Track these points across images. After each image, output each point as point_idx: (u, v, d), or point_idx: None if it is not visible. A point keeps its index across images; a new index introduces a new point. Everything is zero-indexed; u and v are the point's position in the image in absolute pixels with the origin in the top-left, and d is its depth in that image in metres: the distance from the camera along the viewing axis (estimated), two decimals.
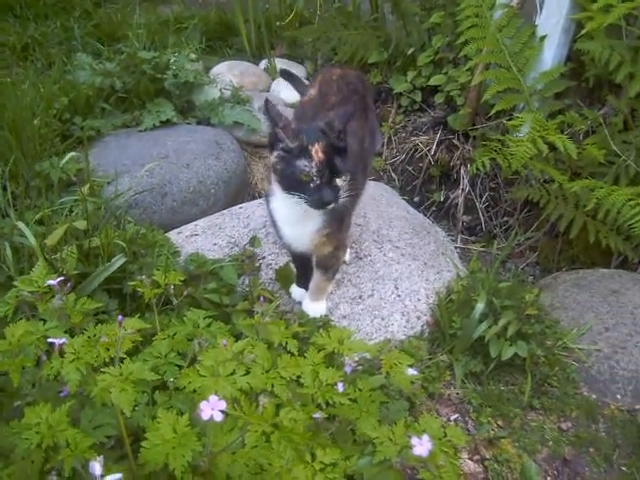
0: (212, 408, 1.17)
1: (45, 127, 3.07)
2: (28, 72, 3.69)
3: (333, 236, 2.06)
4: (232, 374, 1.30)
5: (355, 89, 2.30)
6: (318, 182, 1.79)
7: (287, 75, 2.25)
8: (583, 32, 2.58)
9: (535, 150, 2.53)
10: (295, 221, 2.03)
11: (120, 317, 1.39)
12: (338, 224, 2.04)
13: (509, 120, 3.03)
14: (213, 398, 1.18)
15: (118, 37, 4.25)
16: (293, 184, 1.83)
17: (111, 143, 3.16)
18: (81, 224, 2.33)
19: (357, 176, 2.11)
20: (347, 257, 2.51)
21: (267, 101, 1.88)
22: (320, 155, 1.78)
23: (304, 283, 2.32)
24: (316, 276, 2.24)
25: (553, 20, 2.89)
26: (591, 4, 2.52)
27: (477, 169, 2.82)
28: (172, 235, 2.58)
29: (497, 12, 3.05)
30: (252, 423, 1.23)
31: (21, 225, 2.23)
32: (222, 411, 1.17)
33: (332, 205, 1.82)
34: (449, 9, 3.44)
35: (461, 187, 3.27)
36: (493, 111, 2.96)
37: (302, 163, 1.79)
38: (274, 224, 2.11)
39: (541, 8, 2.97)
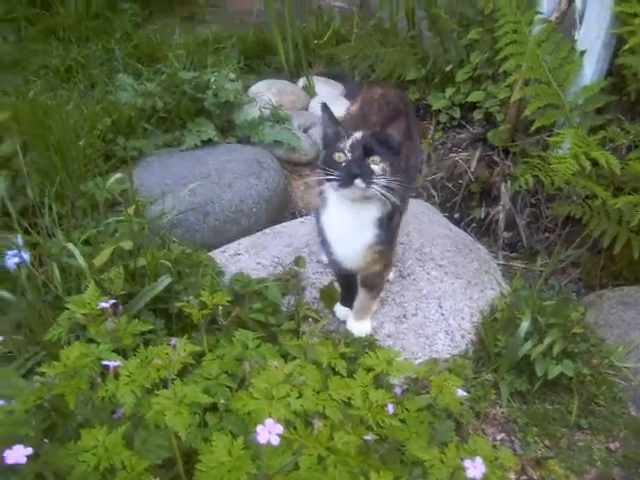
0: (269, 432, 1.17)
1: (89, 148, 3.12)
2: (72, 93, 3.75)
3: (383, 253, 2.07)
4: (286, 397, 1.31)
5: (396, 108, 2.31)
6: (350, 158, 1.85)
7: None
8: (626, 47, 2.57)
9: (578, 167, 2.51)
10: (345, 236, 2.05)
11: (173, 340, 1.40)
12: (388, 240, 2.05)
13: (549, 136, 3.03)
14: (269, 422, 1.18)
15: (158, 57, 4.30)
16: (330, 166, 1.89)
17: (153, 163, 3.20)
18: (127, 244, 2.36)
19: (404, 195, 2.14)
20: (391, 275, 2.51)
21: (324, 105, 2.00)
22: (356, 137, 1.87)
23: (348, 302, 2.33)
24: (361, 295, 2.24)
25: (593, 35, 2.87)
26: (633, 18, 2.51)
27: (519, 186, 2.81)
28: (216, 254, 2.60)
29: (536, 27, 3.04)
30: (307, 446, 1.24)
31: (71, 247, 2.27)
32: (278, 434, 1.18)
33: (362, 185, 1.84)
34: (487, 25, 3.44)
35: (502, 203, 3.25)
36: (534, 127, 2.95)
37: (338, 144, 1.88)
38: (323, 241, 2.13)
39: (580, 23, 2.95)
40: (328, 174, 1.89)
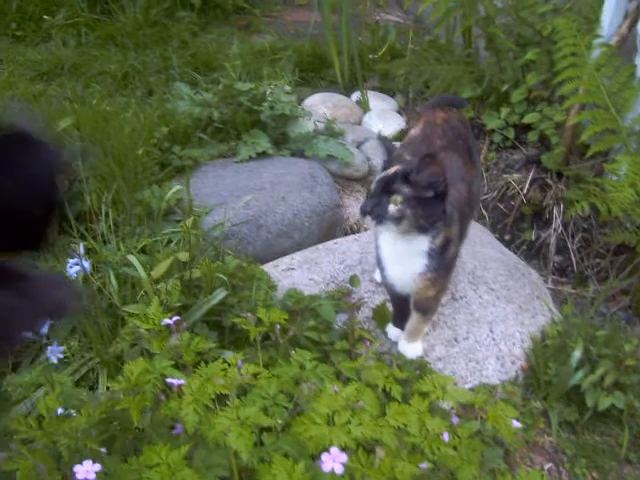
0: (333, 460, 1.19)
1: (146, 155, 3.17)
2: (129, 100, 3.82)
3: (436, 281, 2.07)
4: (347, 423, 1.32)
5: (459, 133, 2.31)
6: (372, 193, 1.90)
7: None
8: None
9: (636, 196, 2.49)
10: (397, 260, 2.07)
11: (240, 363, 1.43)
12: (442, 269, 2.05)
13: (604, 161, 3.01)
14: (334, 450, 1.20)
15: (214, 66, 4.35)
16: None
17: (208, 173, 3.24)
18: (183, 256, 2.39)
19: (464, 222, 2.16)
20: (444, 298, 2.51)
21: (380, 136, 2.11)
22: (389, 173, 1.89)
23: (400, 323, 2.33)
24: (413, 318, 2.25)
25: None
26: None
27: (575, 212, 2.80)
28: (269, 268, 2.62)
29: (595, 51, 3.03)
30: (369, 476, 1.25)
31: (132, 258, 2.31)
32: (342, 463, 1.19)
33: (372, 222, 1.89)
34: (544, 46, 3.42)
35: (553, 227, 3.23)
36: (590, 152, 2.93)
37: (376, 175, 1.94)
38: (379, 262, 2.16)
39: None
40: None
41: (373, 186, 1.91)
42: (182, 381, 1.41)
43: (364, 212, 1.89)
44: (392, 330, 2.37)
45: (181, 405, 1.35)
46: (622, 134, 2.87)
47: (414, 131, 2.37)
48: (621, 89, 2.93)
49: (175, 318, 1.60)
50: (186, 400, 1.36)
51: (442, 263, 2.03)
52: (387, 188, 1.87)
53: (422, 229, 1.92)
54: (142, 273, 2.22)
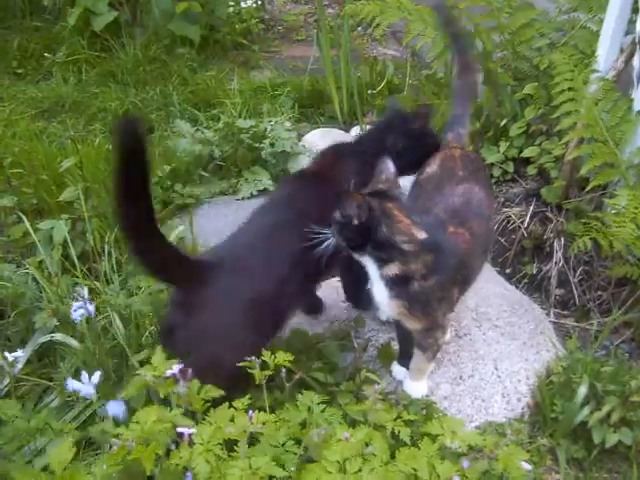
0: None
1: None
2: None
3: (412, 313, 2.08)
4: (359, 471, 1.32)
5: (478, 166, 2.36)
6: None
7: None
8: None
9: (638, 231, 2.51)
10: (372, 283, 2.11)
11: (251, 413, 1.43)
12: (411, 302, 2.06)
13: (603, 194, 3.02)
14: None
15: (214, 103, 4.38)
16: None
17: (210, 211, 3.26)
18: None
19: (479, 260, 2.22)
20: (447, 336, 2.51)
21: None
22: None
23: (405, 361, 2.33)
24: (416, 355, 2.25)
25: None
26: None
27: (578, 247, 2.81)
28: None
29: (592, 85, 3.06)
30: None
31: (141, 305, 2.31)
32: None
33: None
34: (542, 80, 3.46)
35: (554, 260, 3.24)
36: (590, 186, 2.95)
37: None
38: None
39: (638, 82, 2.96)
40: None
41: None
42: (193, 430, 1.41)
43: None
44: (397, 368, 2.38)
45: (192, 454, 1.35)
46: (621, 167, 2.89)
47: (430, 168, 2.38)
48: (619, 123, 2.95)
49: (180, 366, 1.59)
50: (197, 450, 1.36)
51: (404, 295, 2.03)
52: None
53: (354, 249, 2.02)
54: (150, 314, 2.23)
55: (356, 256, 2.04)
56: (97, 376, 1.89)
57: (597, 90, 3.02)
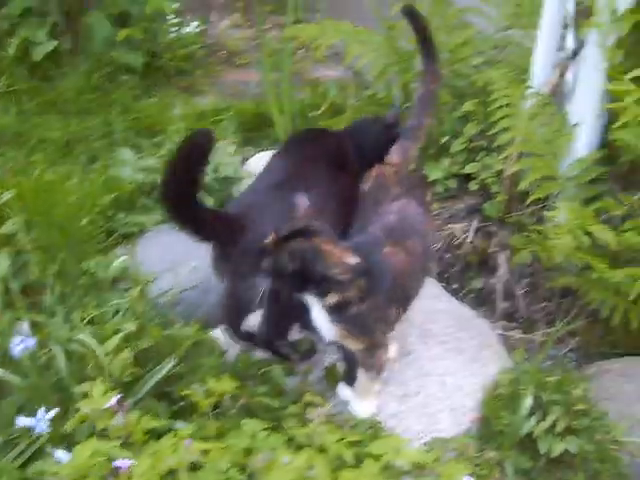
0: None
1: (90, 224, 3.16)
2: (72, 168, 3.80)
3: (354, 334, 2.10)
4: None
5: (414, 182, 2.39)
6: None
7: None
8: (618, 124, 2.62)
9: (575, 242, 2.55)
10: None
11: (188, 441, 1.42)
12: (355, 325, 2.09)
13: (544, 207, 3.07)
14: None
15: (157, 130, 4.35)
16: None
17: (153, 239, 3.23)
18: (131, 326, 2.37)
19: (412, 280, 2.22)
20: (392, 353, 2.53)
21: None
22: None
23: (352, 380, 2.34)
24: (360, 374, 2.26)
25: (585, 108, 2.93)
26: (625, 95, 2.56)
27: (518, 261, 2.85)
28: (218, 332, 2.61)
29: (528, 101, 3.11)
30: None
31: (81, 336, 2.28)
32: None
33: None
34: (481, 97, 3.51)
35: (499, 273, 3.28)
36: (529, 200, 3.00)
37: None
38: None
39: (572, 96, 3.02)
40: None
41: None
42: (129, 463, 1.39)
43: None
44: (343, 390, 2.37)
45: None
46: (560, 180, 2.94)
47: (366, 186, 2.40)
48: (555, 136, 3.02)
49: (117, 397, 1.58)
50: None
51: (344, 319, 2.07)
52: None
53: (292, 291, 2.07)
54: (94, 346, 2.19)
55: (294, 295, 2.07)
56: (53, 412, 1.86)
57: (533, 105, 3.09)
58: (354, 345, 2.15)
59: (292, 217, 2.03)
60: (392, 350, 2.52)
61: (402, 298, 2.21)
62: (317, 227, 2.01)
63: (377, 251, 2.09)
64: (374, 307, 2.06)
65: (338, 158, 2.55)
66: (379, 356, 2.21)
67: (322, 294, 2.02)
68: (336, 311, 2.05)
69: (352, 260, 1.98)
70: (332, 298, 2.01)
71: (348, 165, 2.56)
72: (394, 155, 2.52)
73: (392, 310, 2.16)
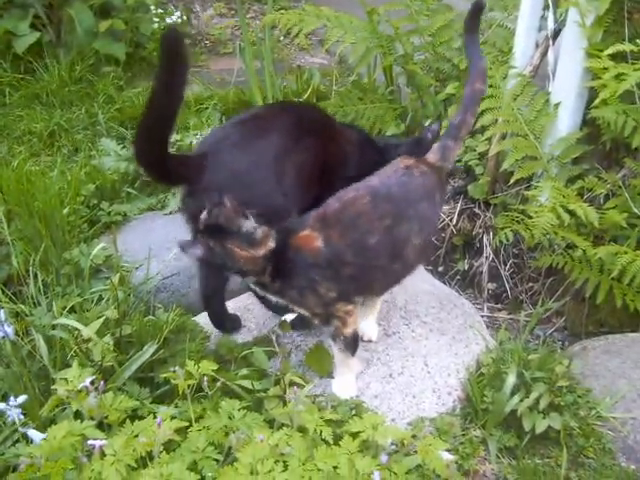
0: None
1: (73, 214, 3.15)
2: (55, 159, 3.79)
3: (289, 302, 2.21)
4: (271, 471, 1.32)
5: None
6: None
7: None
8: (597, 101, 2.62)
9: (557, 220, 2.55)
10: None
11: (159, 419, 1.41)
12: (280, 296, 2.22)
13: (528, 187, 3.07)
14: None
15: None
16: None
17: (138, 227, 3.23)
18: (112, 313, 2.37)
19: None
20: (374, 335, 2.54)
21: None
22: None
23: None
24: (335, 353, 2.30)
25: (566, 87, 2.93)
26: (604, 72, 2.56)
27: (500, 241, 2.85)
28: (201, 318, 2.60)
29: (510, 81, 3.11)
30: None
31: (61, 321, 2.28)
32: None
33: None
34: (463, 79, 3.50)
35: (484, 255, 3.28)
36: (513, 180, 3.00)
37: None
38: None
39: (554, 75, 3.02)
40: None
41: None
42: (103, 441, 1.39)
43: None
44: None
45: (103, 467, 1.33)
46: (542, 160, 2.95)
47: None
48: (537, 116, 3.02)
49: (91, 378, 1.58)
50: (108, 461, 1.33)
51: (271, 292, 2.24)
52: None
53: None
54: (76, 326, 2.20)
55: None
56: (22, 398, 1.85)
57: (515, 85, 3.08)
58: (300, 310, 2.24)
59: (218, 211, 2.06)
60: (373, 331, 2.55)
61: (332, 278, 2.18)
62: (232, 224, 2.04)
63: (294, 234, 2.13)
64: (293, 284, 2.15)
65: (317, 129, 2.55)
66: (337, 327, 2.21)
67: (243, 277, 2.15)
68: (262, 287, 2.20)
69: (259, 252, 2.05)
70: (251, 280, 2.16)
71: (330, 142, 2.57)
72: (432, 154, 2.43)
73: (321, 287, 2.16)
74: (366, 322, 2.54)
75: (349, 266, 2.13)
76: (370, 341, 2.53)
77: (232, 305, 2.73)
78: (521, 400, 2.26)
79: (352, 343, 2.27)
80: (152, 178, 2.46)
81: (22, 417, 1.84)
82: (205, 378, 1.81)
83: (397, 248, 2.18)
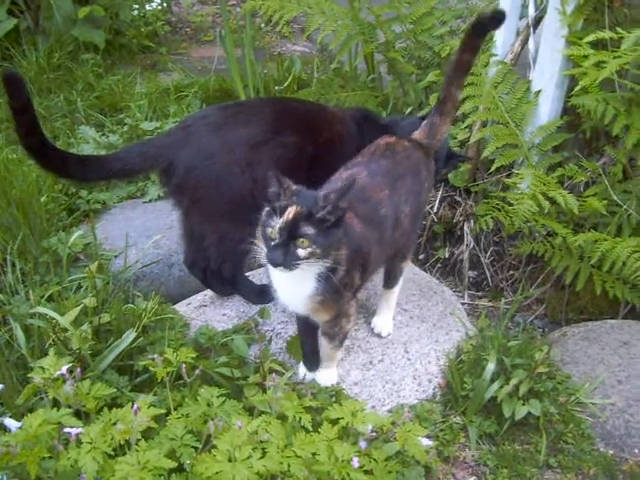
0: None
1: (52, 202, 3.13)
2: None
3: (329, 304, 2.04)
4: (248, 457, 1.31)
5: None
6: (277, 242, 1.81)
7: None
8: (577, 89, 2.62)
9: (536, 207, 2.55)
10: (286, 283, 2.02)
11: (135, 406, 1.40)
12: (333, 292, 2.00)
13: (509, 175, 3.07)
14: None
15: (120, 107, 4.30)
16: (264, 238, 1.86)
17: (117, 215, 3.21)
18: (91, 301, 2.35)
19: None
20: (390, 329, 2.56)
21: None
22: (289, 217, 1.79)
23: (310, 364, 2.33)
24: (323, 344, 2.24)
25: (547, 75, 2.93)
26: (584, 60, 2.56)
27: (480, 228, 2.85)
28: (181, 307, 2.60)
29: (491, 69, 3.11)
30: None
31: (39, 309, 2.26)
32: None
33: (283, 269, 1.82)
34: (444, 67, 3.49)
35: (465, 243, 3.28)
36: (493, 167, 3.00)
37: (273, 220, 1.81)
38: (271, 285, 2.09)
39: (534, 64, 3.02)
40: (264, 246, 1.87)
41: (274, 234, 1.81)
42: (79, 429, 1.38)
43: (276, 264, 1.81)
44: (302, 369, 2.36)
45: (79, 454, 1.32)
46: (523, 148, 2.94)
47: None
48: (518, 104, 3.02)
49: (67, 366, 1.56)
50: (84, 449, 1.32)
51: (331, 286, 1.97)
52: (292, 234, 1.81)
53: (328, 256, 1.89)
54: (53, 315, 2.19)
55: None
56: None
57: (496, 73, 3.08)
58: (323, 316, 2.10)
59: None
60: (389, 326, 2.57)
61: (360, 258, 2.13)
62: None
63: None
64: (345, 271, 2.00)
65: (303, 124, 2.59)
66: (342, 325, 2.18)
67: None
68: (327, 276, 1.94)
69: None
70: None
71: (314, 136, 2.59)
72: (418, 131, 2.43)
73: (356, 275, 2.13)
74: (380, 317, 2.56)
75: (368, 243, 2.10)
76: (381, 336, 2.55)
77: (211, 294, 2.72)
78: (501, 387, 2.27)
79: (344, 339, 2.27)
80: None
81: None
82: (184, 366, 1.79)
83: (397, 219, 2.19)
